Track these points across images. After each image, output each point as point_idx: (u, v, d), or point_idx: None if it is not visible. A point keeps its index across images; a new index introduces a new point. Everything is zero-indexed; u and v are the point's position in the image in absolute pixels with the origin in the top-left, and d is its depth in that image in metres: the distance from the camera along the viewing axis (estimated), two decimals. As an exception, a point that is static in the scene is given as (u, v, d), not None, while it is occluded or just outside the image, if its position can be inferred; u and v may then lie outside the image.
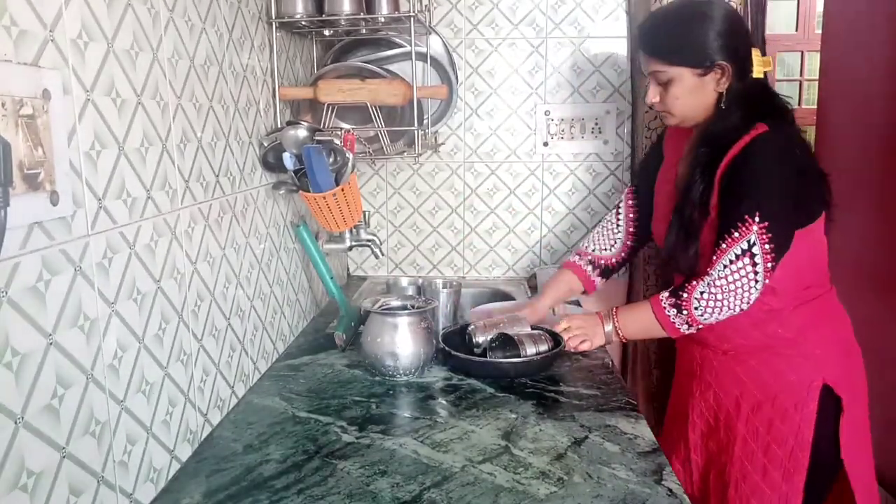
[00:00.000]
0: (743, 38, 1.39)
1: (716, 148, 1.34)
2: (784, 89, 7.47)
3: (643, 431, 1.17)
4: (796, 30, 7.28)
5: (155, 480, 0.99)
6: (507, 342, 1.46)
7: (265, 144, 1.46)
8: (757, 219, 1.26)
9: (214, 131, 1.21)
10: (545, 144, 2.15)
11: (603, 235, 1.65)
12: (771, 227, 1.26)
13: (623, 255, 1.64)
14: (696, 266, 1.35)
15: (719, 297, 1.29)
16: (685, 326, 1.34)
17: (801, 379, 1.37)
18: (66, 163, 0.77)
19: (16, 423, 0.70)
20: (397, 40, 1.86)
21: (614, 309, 1.44)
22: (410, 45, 1.70)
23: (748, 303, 1.30)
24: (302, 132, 1.44)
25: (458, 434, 1.17)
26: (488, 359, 1.43)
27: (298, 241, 1.66)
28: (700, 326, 1.34)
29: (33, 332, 0.73)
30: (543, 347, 1.43)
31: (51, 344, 0.76)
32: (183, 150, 1.08)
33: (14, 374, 0.70)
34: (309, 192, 1.46)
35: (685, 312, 1.32)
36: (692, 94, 1.37)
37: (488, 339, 1.48)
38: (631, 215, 1.63)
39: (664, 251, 1.43)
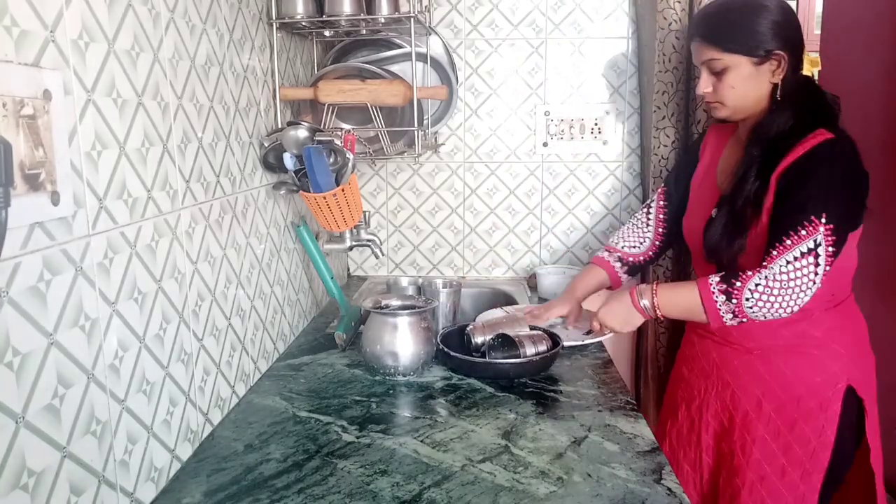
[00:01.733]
0: (798, 31, 1.38)
1: (770, 149, 1.33)
2: (784, 89, 7.41)
3: (643, 431, 1.18)
4: (796, 30, 7.20)
5: (156, 480, 0.99)
6: (506, 342, 1.46)
7: (266, 145, 1.46)
8: (824, 220, 1.24)
9: (215, 132, 1.21)
10: (545, 145, 2.15)
11: (633, 233, 1.65)
12: (835, 231, 1.25)
13: (650, 253, 1.64)
14: (736, 261, 1.34)
15: (776, 292, 1.25)
16: (729, 316, 1.28)
17: (826, 380, 1.36)
18: (66, 163, 0.77)
19: (17, 422, 0.71)
20: (397, 41, 1.86)
21: (655, 284, 1.39)
22: (410, 46, 1.70)
23: (800, 305, 1.27)
24: (302, 132, 1.45)
25: (458, 433, 1.17)
26: (488, 360, 1.43)
27: (299, 242, 1.66)
28: (744, 320, 1.29)
29: (34, 332, 0.73)
30: (543, 348, 1.43)
31: (52, 344, 0.76)
32: (184, 151, 1.09)
33: (15, 374, 0.70)
34: (309, 192, 1.47)
35: (734, 302, 1.27)
36: (747, 84, 1.35)
37: (487, 339, 1.48)
38: (661, 215, 1.62)
39: (707, 244, 1.39)
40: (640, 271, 1.68)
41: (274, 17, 1.53)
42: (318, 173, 1.43)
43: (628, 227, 1.66)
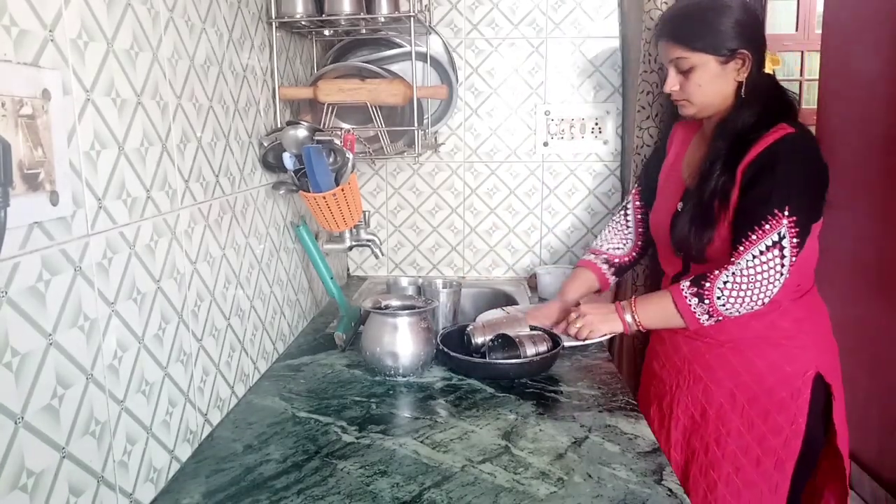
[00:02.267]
0: (761, 30, 1.43)
1: (735, 143, 1.37)
2: (784, 89, 7.39)
3: (643, 431, 1.17)
4: (796, 30, 7.26)
5: (155, 480, 0.99)
6: (506, 343, 1.46)
7: (265, 144, 1.46)
8: (787, 213, 1.29)
9: (214, 131, 1.21)
10: (545, 144, 2.15)
11: (615, 235, 1.68)
12: (798, 223, 1.29)
13: (635, 253, 1.68)
14: (705, 252, 1.38)
15: (744, 286, 1.30)
16: (705, 317, 1.34)
17: (796, 369, 1.40)
18: (65, 163, 0.77)
19: (16, 423, 0.70)
20: (397, 40, 1.86)
21: (633, 298, 1.45)
22: (410, 45, 1.70)
23: (769, 297, 1.31)
24: (302, 132, 1.44)
25: (458, 434, 1.17)
26: (488, 360, 1.43)
27: (298, 241, 1.66)
28: (720, 318, 1.34)
29: (33, 332, 0.73)
30: (543, 348, 1.43)
31: (51, 344, 0.76)
32: (183, 150, 1.08)
33: (14, 374, 0.70)
34: (309, 192, 1.46)
35: (707, 302, 1.32)
36: (714, 82, 1.39)
37: (487, 339, 1.48)
38: (639, 215, 1.66)
39: (674, 238, 1.44)
40: (626, 271, 1.72)
41: (273, 17, 1.53)
42: (317, 173, 1.42)
43: (610, 230, 1.70)
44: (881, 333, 2.43)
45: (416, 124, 1.72)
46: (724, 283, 1.31)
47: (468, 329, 1.52)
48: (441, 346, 1.45)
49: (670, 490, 1.00)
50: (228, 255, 1.26)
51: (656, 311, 1.41)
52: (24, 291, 0.71)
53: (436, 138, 2.10)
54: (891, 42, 2.38)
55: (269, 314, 1.49)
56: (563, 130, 2.14)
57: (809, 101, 6.97)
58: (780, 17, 7.08)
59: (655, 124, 1.94)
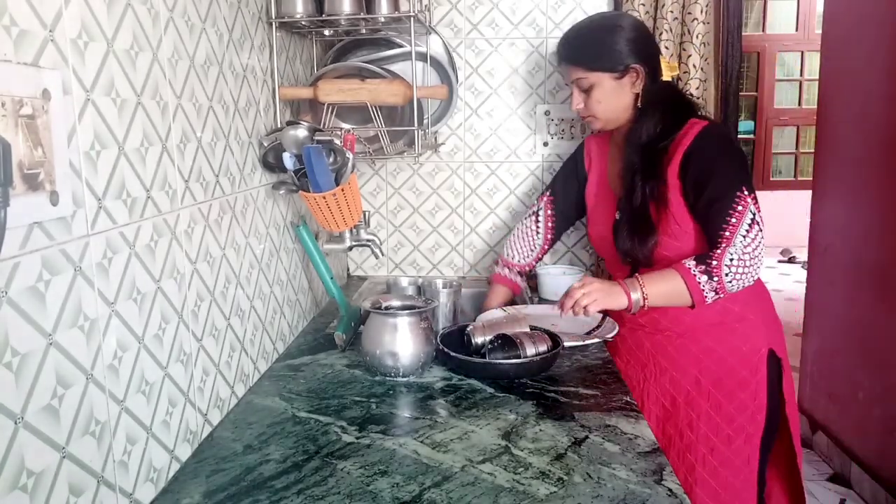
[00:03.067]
0: (651, 44, 1.57)
1: (647, 148, 1.48)
2: (784, 89, 7.45)
3: (643, 431, 1.18)
4: (796, 30, 7.25)
5: (155, 480, 0.99)
6: (506, 343, 1.46)
7: (265, 144, 1.46)
8: (745, 191, 1.40)
9: (214, 131, 1.21)
10: (545, 144, 2.15)
11: (524, 244, 1.84)
12: (755, 198, 1.41)
13: (539, 257, 1.87)
14: (652, 256, 1.48)
15: (747, 262, 1.38)
16: (712, 294, 1.40)
17: (751, 348, 1.51)
18: (65, 163, 0.77)
19: (16, 423, 0.70)
20: (397, 40, 1.86)
21: (637, 276, 1.43)
22: (410, 45, 1.70)
23: (759, 272, 1.41)
24: (302, 132, 1.45)
25: (458, 434, 1.17)
26: (488, 360, 1.43)
27: (298, 241, 1.66)
28: (722, 295, 1.41)
29: (33, 332, 0.73)
30: (543, 348, 1.43)
31: (51, 344, 0.76)
32: (183, 150, 1.08)
33: (14, 374, 0.70)
34: (309, 192, 1.46)
35: (716, 279, 1.38)
36: (611, 97, 1.52)
37: (487, 339, 1.48)
38: (549, 223, 1.82)
39: (619, 249, 1.53)
40: (532, 272, 1.91)
41: (273, 17, 1.53)
42: (317, 173, 1.42)
43: (518, 237, 1.85)
44: (881, 333, 2.43)
45: (416, 124, 1.72)
46: (731, 260, 1.38)
47: (468, 329, 1.52)
48: (441, 346, 1.45)
49: (670, 490, 1.00)
50: (228, 255, 1.26)
51: (665, 289, 1.42)
52: (24, 291, 0.71)
53: (436, 138, 2.10)
54: (891, 42, 2.38)
55: (269, 314, 1.49)
56: (563, 130, 2.14)
57: (810, 101, 6.98)
58: (780, 17, 7.07)
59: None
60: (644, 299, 1.41)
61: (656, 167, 1.46)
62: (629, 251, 1.50)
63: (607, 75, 1.50)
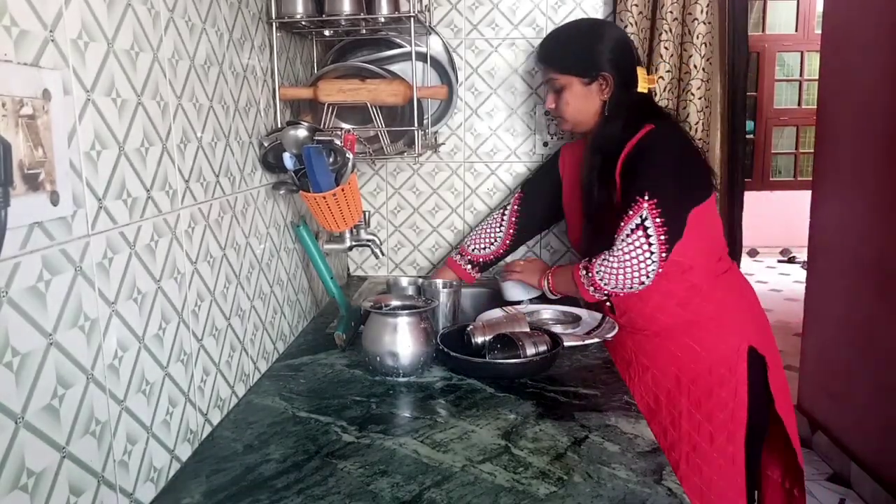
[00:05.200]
0: (627, 55, 1.59)
1: (606, 153, 1.53)
2: (784, 89, 7.45)
3: (643, 431, 1.18)
4: (796, 30, 7.25)
5: (155, 480, 0.99)
6: (506, 342, 1.46)
7: (265, 144, 1.46)
8: (646, 196, 1.43)
9: (214, 131, 1.21)
10: (545, 144, 2.15)
11: (485, 235, 1.89)
12: (660, 204, 1.43)
13: (501, 251, 1.89)
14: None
15: (616, 265, 1.46)
16: (592, 289, 1.52)
17: (729, 346, 1.54)
18: (66, 163, 0.77)
19: (16, 422, 0.70)
20: (397, 40, 1.86)
21: (553, 269, 1.68)
22: (410, 46, 1.70)
23: (648, 276, 1.46)
24: (302, 132, 1.45)
25: (458, 434, 1.17)
26: (488, 360, 1.43)
27: (298, 241, 1.66)
28: (605, 293, 1.52)
29: (33, 332, 0.73)
30: (543, 348, 1.43)
31: (51, 344, 0.76)
32: (183, 151, 1.09)
33: (14, 374, 0.70)
34: (309, 192, 1.46)
35: (590, 276, 1.51)
36: (579, 100, 1.58)
37: (487, 339, 1.48)
38: (514, 219, 1.86)
39: (582, 254, 1.64)
40: (490, 267, 1.93)
41: (274, 17, 1.53)
42: (317, 173, 1.42)
43: (482, 229, 1.90)
44: (881, 333, 2.43)
45: (416, 124, 1.72)
46: (603, 260, 1.48)
47: (468, 329, 1.52)
48: (441, 346, 1.45)
49: (670, 490, 1.00)
50: (229, 255, 1.27)
51: (564, 279, 1.62)
52: (24, 291, 0.71)
53: (436, 138, 2.10)
54: (891, 42, 2.38)
55: (270, 314, 1.49)
56: (562, 131, 2.14)
57: (810, 101, 6.98)
58: (780, 17, 7.07)
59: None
60: (551, 287, 1.66)
61: (611, 172, 1.51)
62: (587, 254, 1.58)
63: (577, 79, 1.56)
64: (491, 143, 2.16)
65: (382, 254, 2.09)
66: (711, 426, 1.51)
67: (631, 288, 1.47)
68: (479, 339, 1.49)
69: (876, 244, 2.45)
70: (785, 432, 1.58)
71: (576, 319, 1.74)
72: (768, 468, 1.68)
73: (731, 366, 1.52)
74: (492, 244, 1.88)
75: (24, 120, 0.69)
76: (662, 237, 1.43)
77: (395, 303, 1.48)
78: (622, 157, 1.49)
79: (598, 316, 1.73)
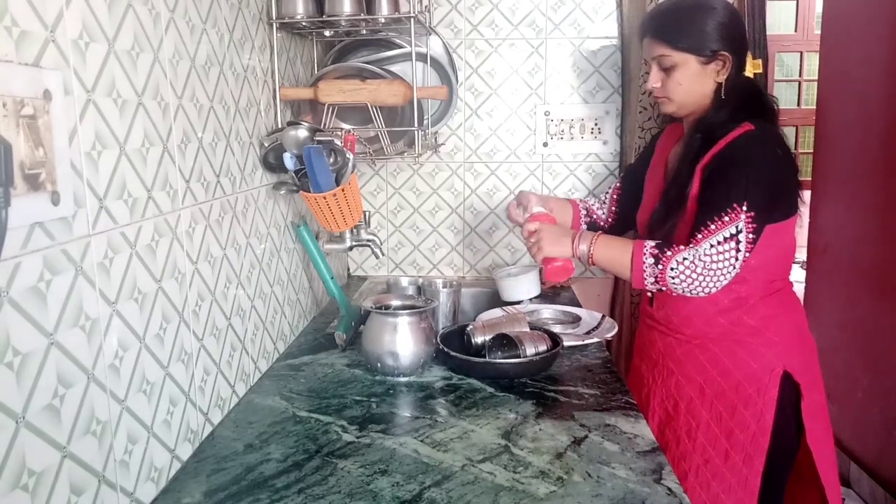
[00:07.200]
0: (742, 33, 1.46)
1: (708, 138, 1.40)
2: (784, 89, 7.45)
3: (643, 431, 1.18)
4: (796, 30, 7.26)
5: (156, 480, 0.99)
6: (506, 342, 1.46)
7: (266, 145, 1.46)
8: (745, 207, 1.31)
9: (215, 132, 1.21)
10: (545, 145, 2.15)
11: (599, 204, 1.74)
12: (755, 219, 1.31)
13: (609, 221, 1.72)
14: (671, 238, 1.40)
15: (699, 270, 1.31)
16: (651, 280, 1.36)
17: (762, 366, 1.42)
18: (67, 163, 0.77)
19: (17, 422, 0.71)
20: (397, 41, 1.87)
21: (599, 233, 1.45)
22: (410, 46, 1.70)
23: (718, 287, 1.33)
24: (302, 132, 1.45)
25: (458, 433, 1.17)
26: (488, 360, 1.43)
27: (299, 241, 1.66)
28: (663, 288, 1.36)
29: (34, 332, 0.73)
30: (543, 348, 1.43)
31: (52, 344, 0.76)
32: (184, 151, 1.09)
33: (15, 374, 0.70)
34: (309, 192, 1.47)
35: (660, 267, 1.33)
36: (694, 81, 1.42)
37: (487, 339, 1.48)
38: (615, 196, 1.71)
39: (647, 226, 1.49)
40: (595, 230, 1.74)
41: (274, 17, 1.53)
42: (318, 173, 1.43)
43: (596, 200, 1.76)
44: (881, 333, 2.43)
45: (416, 125, 1.73)
46: (683, 259, 1.32)
47: (468, 329, 1.52)
48: (441, 346, 1.45)
49: (669, 489, 1.00)
50: (229, 254, 1.27)
51: (613, 253, 1.41)
52: (25, 291, 0.72)
53: (436, 139, 2.11)
54: (891, 42, 2.38)
55: (270, 314, 1.49)
56: (562, 131, 2.15)
57: (809, 101, 6.97)
58: (780, 17, 7.07)
59: (657, 125, 1.95)
60: (591, 255, 1.41)
61: (699, 159, 1.40)
62: (651, 228, 1.46)
63: (693, 57, 1.40)
64: (491, 144, 2.16)
65: (382, 254, 2.10)
66: (728, 444, 1.43)
67: (699, 293, 1.34)
68: (479, 339, 1.49)
69: (875, 244, 2.45)
70: (814, 470, 1.45)
71: (576, 319, 1.74)
72: (796, 502, 1.54)
73: (761, 387, 1.41)
74: (602, 212, 1.73)
75: (25, 120, 0.69)
76: (747, 253, 1.32)
77: (395, 303, 1.48)
78: (713, 150, 1.37)
79: (598, 316, 1.74)
